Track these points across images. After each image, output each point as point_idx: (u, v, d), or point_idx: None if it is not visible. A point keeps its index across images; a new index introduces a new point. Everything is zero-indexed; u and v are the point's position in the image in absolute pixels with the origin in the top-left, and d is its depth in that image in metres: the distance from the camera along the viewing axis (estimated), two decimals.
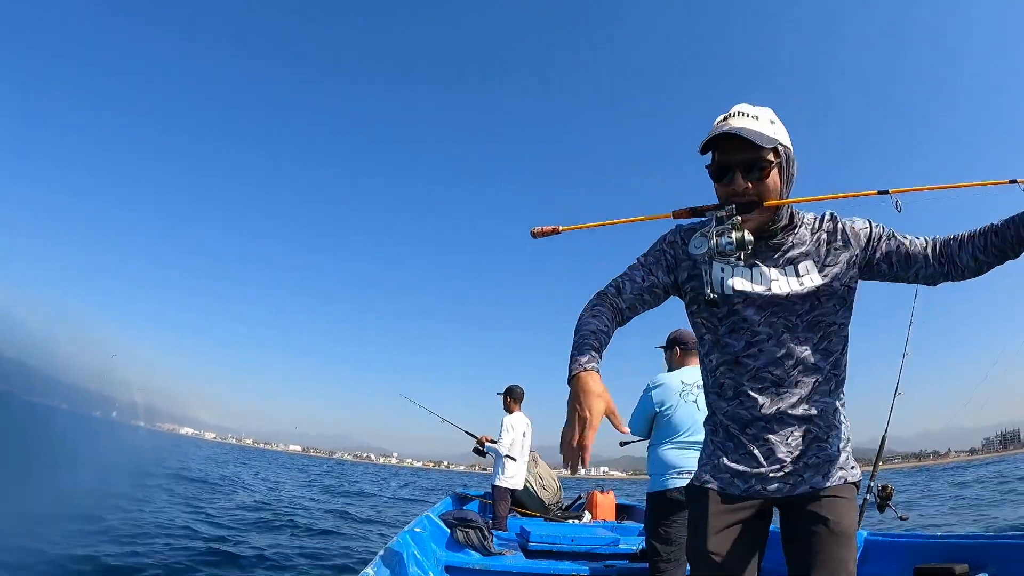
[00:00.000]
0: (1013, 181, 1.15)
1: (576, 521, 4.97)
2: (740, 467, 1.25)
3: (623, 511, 5.53)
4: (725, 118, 1.20)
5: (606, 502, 5.35)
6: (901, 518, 2.67)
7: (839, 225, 1.26)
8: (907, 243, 1.20)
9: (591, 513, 5.24)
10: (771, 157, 1.17)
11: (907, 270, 1.20)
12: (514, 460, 4.67)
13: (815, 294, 1.21)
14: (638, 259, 1.33)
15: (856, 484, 1.28)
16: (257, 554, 5.07)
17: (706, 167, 1.23)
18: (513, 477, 4.65)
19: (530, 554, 3.28)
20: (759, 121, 1.18)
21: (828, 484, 1.22)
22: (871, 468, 2.95)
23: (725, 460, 1.27)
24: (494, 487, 4.67)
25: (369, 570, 2.34)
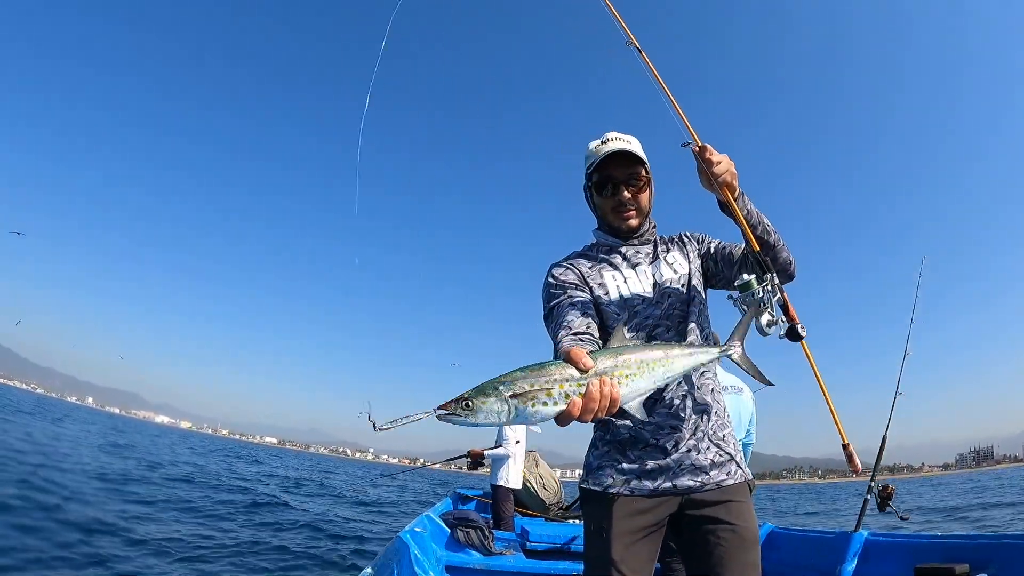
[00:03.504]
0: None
1: (576, 521, 4.97)
2: (647, 464, 1.24)
3: None
4: (603, 142, 1.37)
5: None
6: (902, 518, 2.67)
7: (680, 234, 1.50)
8: (732, 246, 1.38)
9: None
10: (645, 173, 1.36)
11: (731, 268, 1.35)
12: (514, 460, 4.71)
13: (688, 277, 1.37)
14: (551, 306, 1.31)
15: (749, 484, 1.29)
16: None
17: (588, 185, 1.41)
18: (514, 477, 4.69)
19: (530, 554, 3.29)
20: (632, 144, 1.35)
21: (732, 482, 1.24)
22: (872, 470, 2.94)
23: (627, 460, 1.26)
24: (496, 487, 4.68)
25: (369, 569, 2.34)
